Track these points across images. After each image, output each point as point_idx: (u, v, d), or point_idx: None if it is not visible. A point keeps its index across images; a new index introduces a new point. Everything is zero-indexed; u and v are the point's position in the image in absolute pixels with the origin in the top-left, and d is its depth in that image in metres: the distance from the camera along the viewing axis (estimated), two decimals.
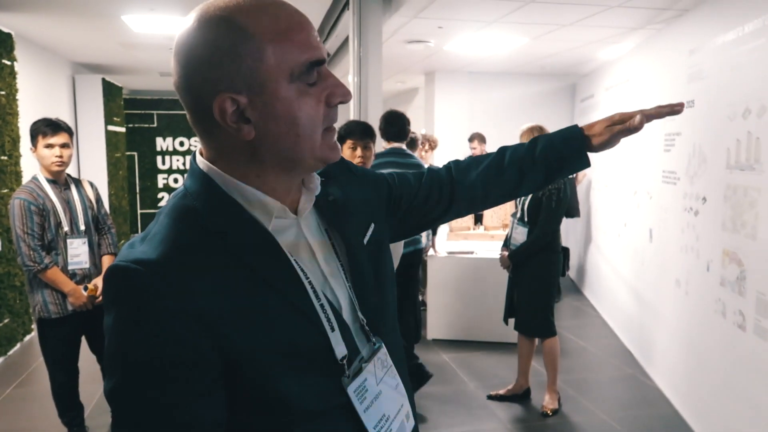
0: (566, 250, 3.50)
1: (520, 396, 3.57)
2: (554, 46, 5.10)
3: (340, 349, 0.77)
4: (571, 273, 6.82)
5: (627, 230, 4.71)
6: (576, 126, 1.03)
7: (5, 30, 4.28)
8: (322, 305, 0.77)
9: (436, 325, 4.62)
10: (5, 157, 4.25)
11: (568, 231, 6.71)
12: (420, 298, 5.29)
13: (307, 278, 0.77)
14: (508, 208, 5.48)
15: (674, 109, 0.96)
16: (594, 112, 6.02)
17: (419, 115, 7.98)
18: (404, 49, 5.28)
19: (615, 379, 3.98)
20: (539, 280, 3.35)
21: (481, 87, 6.90)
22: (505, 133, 7.04)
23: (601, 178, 5.62)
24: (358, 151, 2.57)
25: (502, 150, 1.10)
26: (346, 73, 4.67)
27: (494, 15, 4.03)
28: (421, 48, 5.26)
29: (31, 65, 5.45)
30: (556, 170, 1.05)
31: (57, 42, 5.61)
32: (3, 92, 4.25)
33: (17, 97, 4.46)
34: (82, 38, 5.43)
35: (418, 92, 8.66)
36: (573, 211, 5.81)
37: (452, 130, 6.87)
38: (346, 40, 4.45)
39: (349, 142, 2.59)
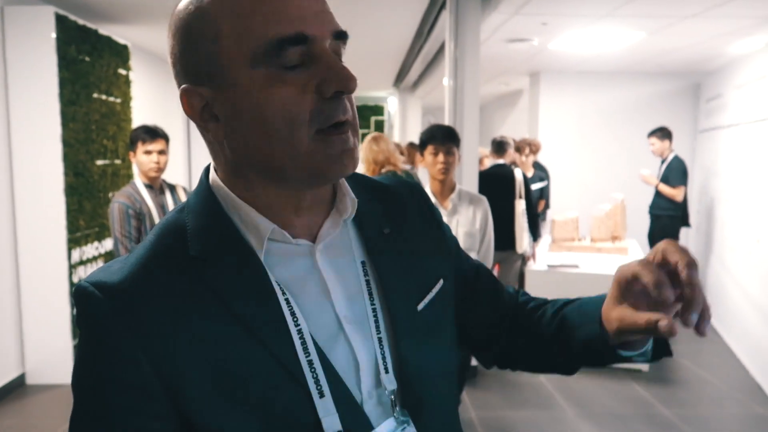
0: None
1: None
2: (675, 40, 4.62)
3: (331, 422, 0.59)
4: None
5: (760, 247, 4.14)
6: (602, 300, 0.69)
7: (122, 41, 4.55)
8: (310, 362, 0.60)
9: None
10: (119, 161, 4.51)
11: (687, 243, 6.10)
12: None
13: (297, 325, 0.60)
14: (618, 218, 5.05)
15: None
16: (722, 114, 5.40)
17: (523, 119, 7.64)
18: (506, 48, 5.02)
19: (741, 418, 3.48)
20: None
21: (592, 88, 6.45)
22: (618, 137, 6.57)
23: (728, 187, 5.03)
24: (440, 157, 2.39)
25: (527, 318, 0.81)
26: (443, 76, 4.51)
27: (605, 8, 3.69)
28: (524, 47, 4.98)
29: (148, 74, 5.79)
30: (579, 364, 0.76)
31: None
32: (119, 100, 4.51)
33: (131, 105, 4.73)
34: None
35: (522, 94, 8.31)
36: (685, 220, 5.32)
37: (558, 134, 6.49)
38: (444, 42, 4.29)
39: (430, 148, 2.42)
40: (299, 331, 0.61)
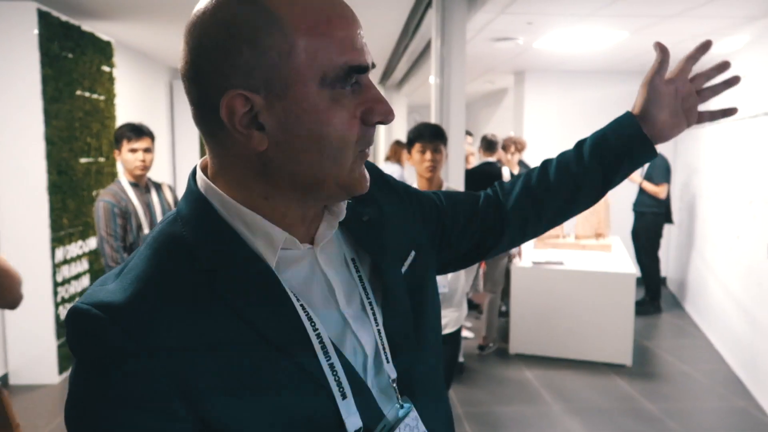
0: None
1: None
2: (657, 40, 4.68)
3: (353, 421, 0.61)
4: (672, 286, 6.29)
5: (740, 244, 4.22)
6: (628, 111, 0.89)
7: (105, 38, 4.50)
8: (331, 365, 0.61)
9: (519, 339, 4.36)
10: (103, 159, 4.47)
11: (669, 239, 6.19)
12: (503, 308, 5.05)
13: (316, 330, 0.61)
14: (602, 215, 5.11)
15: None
16: None
17: (508, 117, 7.69)
18: (491, 47, 5.04)
19: (722, 411, 3.55)
20: None
21: (576, 86, 6.51)
22: None
23: (710, 184, 5.11)
24: (428, 155, 2.42)
25: (547, 161, 0.94)
26: (429, 74, 4.52)
27: (589, 7, 3.73)
28: (510, 46, 5.00)
29: (131, 71, 5.74)
30: (615, 166, 0.88)
31: (155, 49, 5.87)
32: (102, 97, 4.47)
33: (115, 102, 4.69)
34: (179, 45, 5.65)
35: (507, 93, 8.35)
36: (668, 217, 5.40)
37: (543, 132, 6.53)
38: (430, 41, 4.31)
39: (417, 146, 2.44)
40: (318, 336, 0.61)
